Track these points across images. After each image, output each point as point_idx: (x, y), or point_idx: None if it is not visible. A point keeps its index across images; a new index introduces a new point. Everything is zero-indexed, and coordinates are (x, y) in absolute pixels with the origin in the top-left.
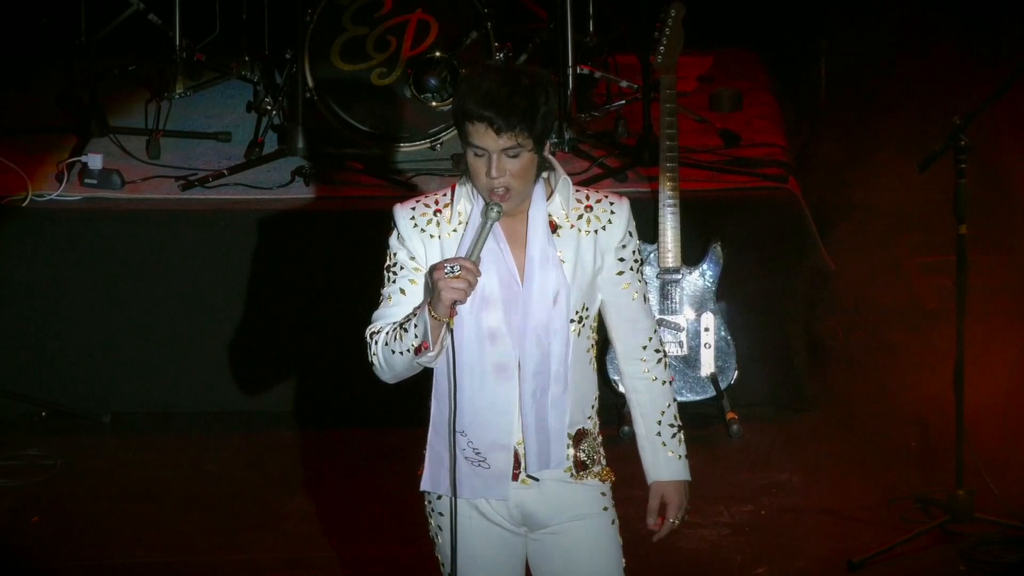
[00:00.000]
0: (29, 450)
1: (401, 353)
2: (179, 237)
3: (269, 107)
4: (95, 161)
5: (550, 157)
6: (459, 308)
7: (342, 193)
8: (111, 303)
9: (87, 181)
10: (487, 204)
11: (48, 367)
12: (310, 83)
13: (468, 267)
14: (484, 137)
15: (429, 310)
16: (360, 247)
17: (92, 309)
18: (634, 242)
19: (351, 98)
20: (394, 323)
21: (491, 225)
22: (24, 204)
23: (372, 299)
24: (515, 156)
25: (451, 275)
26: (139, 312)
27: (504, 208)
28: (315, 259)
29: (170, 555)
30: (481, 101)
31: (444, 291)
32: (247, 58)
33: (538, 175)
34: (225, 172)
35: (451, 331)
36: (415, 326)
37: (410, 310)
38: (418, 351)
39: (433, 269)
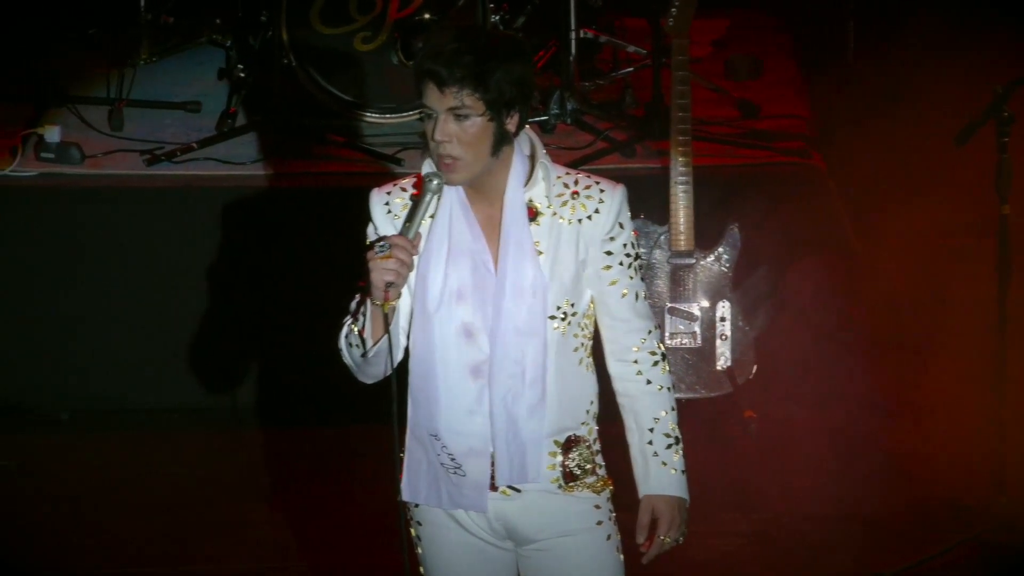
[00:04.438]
0: None
1: (355, 346)
2: (143, 217)
3: (243, 75)
4: (52, 134)
5: (531, 135)
6: (427, 304)
7: (321, 169)
8: (69, 289)
9: (44, 155)
10: (427, 174)
11: (0, 359)
12: (288, 48)
13: (399, 244)
14: (430, 95)
15: (369, 296)
16: (339, 228)
17: (49, 296)
18: (626, 234)
19: (332, 65)
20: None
21: (431, 197)
22: None
23: (351, 287)
24: (463, 119)
25: (381, 254)
26: (100, 299)
27: (450, 181)
28: (290, 242)
29: (127, 566)
30: (428, 55)
31: (374, 272)
32: (219, 21)
33: (496, 148)
34: (194, 145)
35: (387, 317)
36: (362, 315)
37: None
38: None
39: (365, 249)
